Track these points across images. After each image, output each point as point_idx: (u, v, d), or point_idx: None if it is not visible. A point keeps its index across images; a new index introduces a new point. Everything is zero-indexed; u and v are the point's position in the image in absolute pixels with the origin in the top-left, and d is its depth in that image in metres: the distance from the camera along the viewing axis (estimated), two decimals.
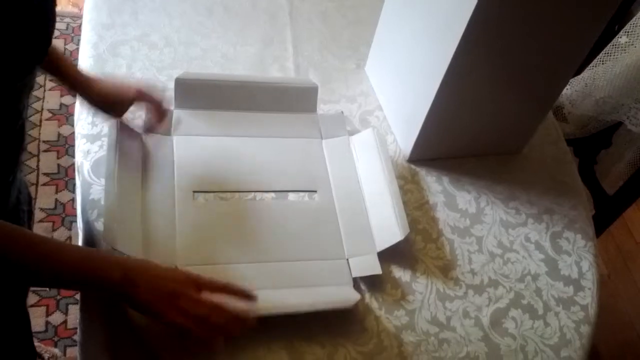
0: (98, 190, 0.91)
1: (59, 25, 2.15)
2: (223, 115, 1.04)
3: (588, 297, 0.96)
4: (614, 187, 1.58)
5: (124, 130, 0.92)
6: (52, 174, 1.77)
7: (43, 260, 0.62)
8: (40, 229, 1.63)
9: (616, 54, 1.39)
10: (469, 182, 1.08)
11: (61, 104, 1.93)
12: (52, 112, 1.90)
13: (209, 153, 0.98)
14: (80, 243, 0.89)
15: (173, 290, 0.67)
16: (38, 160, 1.79)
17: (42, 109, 1.90)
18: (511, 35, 0.88)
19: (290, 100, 1.07)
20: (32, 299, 1.50)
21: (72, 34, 2.13)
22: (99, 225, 0.86)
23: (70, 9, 2.23)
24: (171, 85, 1.01)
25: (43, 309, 1.51)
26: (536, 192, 1.09)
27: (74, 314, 1.50)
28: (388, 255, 0.91)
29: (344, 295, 0.85)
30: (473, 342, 0.87)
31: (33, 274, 0.63)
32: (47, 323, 1.49)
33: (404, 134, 1.09)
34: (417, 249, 0.96)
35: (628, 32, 1.36)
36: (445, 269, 0.95)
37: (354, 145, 1.05)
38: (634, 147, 1.51)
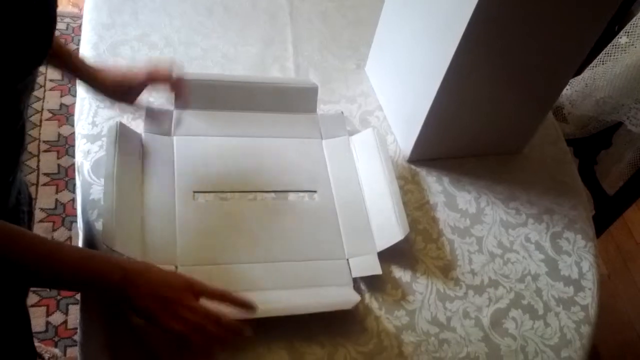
0: (98, 190, 0.91)
1: (59, 25, 2.15)
2: (223, 115, 1.04)
3: (588, 298, 0.96)
4: (614, 188, 1.58)
5: (124, 131, 0.92)
6: (53, 174, 1.77)
7: (43, 260, 0.62)
8: (40, 229, 1.63)
9: (616, 54, 1.39)
10: (469, 182, 1.08)
11: (61, 104, 1.93)
12: (52, 112, 1.90)
13: (209, 153, 0.98)
14: (80, 243, 0.89)
15: (170, 297, 0.67)
16: (38, 161, 1.78)
17: (42, 109, 1.90)
18: (511, 35, 0.88)
19: (290, 101, 1.07)
20: (32, 299, 1.50)
21: (72, 34, 2.14)
22: (99, 226, 0.86)
23: (70, 9, 2.23)
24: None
25: (43, 309, 1.51)
26: (536, 192, 1.09)
27: (74, 314, 1.50)
28: (388, 256, 0.91)
29: (344, 296, 0.85)
30: (473, 343, 0.87)
31: (33, 274, 0.63)
32: (48, 323, 1.49)
33: (404, 134, 1.09)
34: (418, 249, 0.96)
35: (628, 32, 1.36)
36: (445, 269, 0.94)
37: (354, 145, 1.05)
38: (634, 147, 1.51)
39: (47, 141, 1.83)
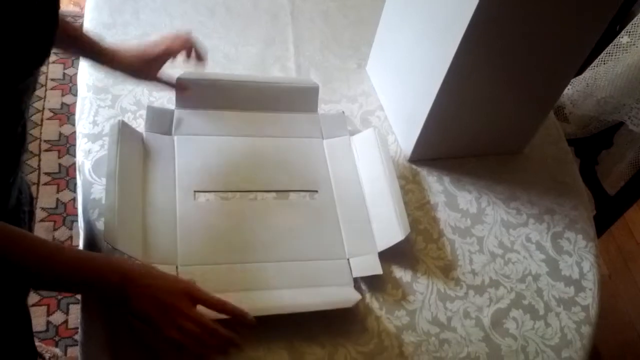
0: (99, 189, 0.91)
1: None
2: (224, 115, 1.04)
3: (589, 298, 0.96)
4: (615, 188, 1.58)
5: (125, 130, 0.92)
6: (53, 173, 1.77)
7: (43, 262, 0.62)
8: (41, 228, 1.63)
9: (617, 54, 1.39)
10: (470, 182, 1.08)
11: (62, 104, 1.93)
12: (53, 112, 1.90)
13: (210, 153, 0.98)
14: (81, 242, 0.89)
15: (169, 303, 0.67)
16: (39, 160, 1.79)
17: (44, 108, 1.90)
18: (512, 35, 0.88)
19: (291, 100, 1.07)
20: (33, 298, 1.50)
21: None
22: (100, 225, 0.87)
23: (71, 8, 2.23)
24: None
25: (44, 308, 1.51)
26: (537, 192, 1.09)
27: (75, 314, 1.51)
28: (389, 256, 0.91)
29: (345, 295, 0.85)
30: (474, 343, 0.87)
31: (33, 276, 0.63)
32: (48, 323, 1.49)
33: (405, 133, 1.09)
34: (418, 249, 0.96)
35: (629, 32, 1.36)
36: (446, 269, 0.94)
37: (355, 145, 1.05)
38: (635, 147, 1.51)
39: (48, 140, 1.83)
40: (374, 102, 1.18)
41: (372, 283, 0.89)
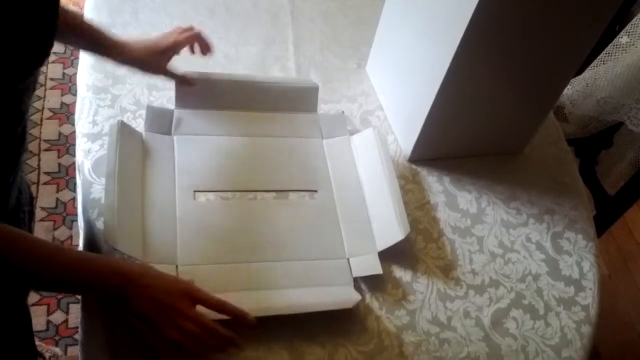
0: (99, 189, 0.91)
1: None
2: (224, 114, 1.04)
3: (589, 298, 0.96)
4: (615, 188, 1.58)
5: (125, 129, 0.92)
6: (53, 172, 1.77)
7: (43, 263, 0.62)
8: (41, 228, 1.63)
9: (617, 54, 1.39)
10: (469, 182, 1.08)
11: (62, 103, 1.93)
12: (53, 111, 1.90)
13: (209, 152, 0.98)
14: (81, 242, 0.89)
15: (168, 303, 0.67)
16: (39, 159, 1.78)
17: (43, 107, 1.90)
18: (512, 35, 0.88)
19: (291, 100, 1.07)
20: (33, 297, 1.50)
21: None
22: (100, 225, 0.86)
23: (71, 8, 2.23)
24: (172, 85, 1.01)
25: (44, 307, 1.51)
26: (537, 192, 1.09)
27: (75, 313, 1.50)
28: (389, 255, 0.91)
29: (345, 295, 0.85)
30: (474, 342, 0.87)
31: (33, 277, 0.63)
32: (48, 322, 1.49)
33: (405, 133, 1.09)
34: (418, 248, 0.96)
35: (629, 32, 1.36)
36: (446, 269, 0.94)
37: (355, 145, 1.05)
38: (635, 147, 1.51)
39: (48, 140, 1.83)
40: (374, 102, 1.18)
41: (372, 283, 0.89)
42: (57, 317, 1.50)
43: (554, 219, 1.06)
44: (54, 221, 1.67)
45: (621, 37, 1.38)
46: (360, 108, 1.16)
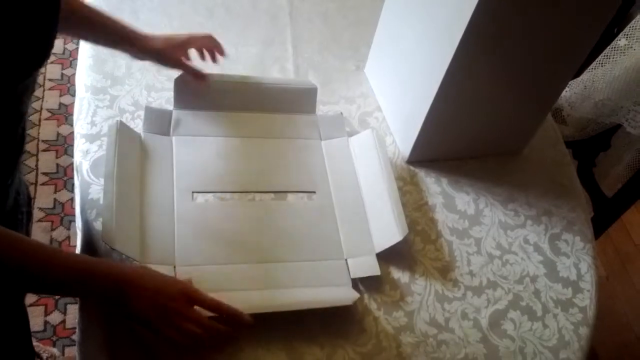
0: (97, 190, 0.91)
1: None
2: (222, 115, 1.04)
3: (587, 299, 0.96)
4: (613, 190, 1.58)
5: (124, 130, 0.92)
6: (51, 173, 1.76)
7: (41, 266, 0.62)
8: (39, 228, 1.63)
9: (615, 56, 1.39)
10: (468, 183, 1.08)
11: (60, 104, 1.93)
12: (51, 112, 1.90)
13: (208, 153, 0.98)
14: (79, 243, 0.89)
15: (166, 304, 0.68)
16: (37, 160, 1.78)
17: (42, 108, 1.90)
18: (511, 37, 0.88)
19: (289, 101, 1.07)
20: (30, 298, 1.50)
21: None
22: (98, 225, 0.86)
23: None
24: (170, 85, 1.01)
25: (42, 308, 1.51)
26: (535, 194, 1.10)
27: (73, 314, 1.50)
28: (387, 256, 0.91)
29: (343, 294, 0.85)
30: (472, 344, 0.87)
31: (31, 280, 0.63)
32: (46, 322, 1.49)
33: (403, 135, 1.09)
34: (416, 250, 0.96)
35: (627, 34, 1.36)
36: (444, 270, 0.95)
37: (353, 146, 1.05)
38: (632, 149, 1.51)
39: (46, 140, 1.83)
40: (372, 103, 1.18)
41: (370, 284, 0.89)
42: (55, 317, 1.50)
43: (551, 221, 1.06)
44: (52, 222, 1.67)
45: (619, 40, 1.38)
46: (358, 109, 1.16)
